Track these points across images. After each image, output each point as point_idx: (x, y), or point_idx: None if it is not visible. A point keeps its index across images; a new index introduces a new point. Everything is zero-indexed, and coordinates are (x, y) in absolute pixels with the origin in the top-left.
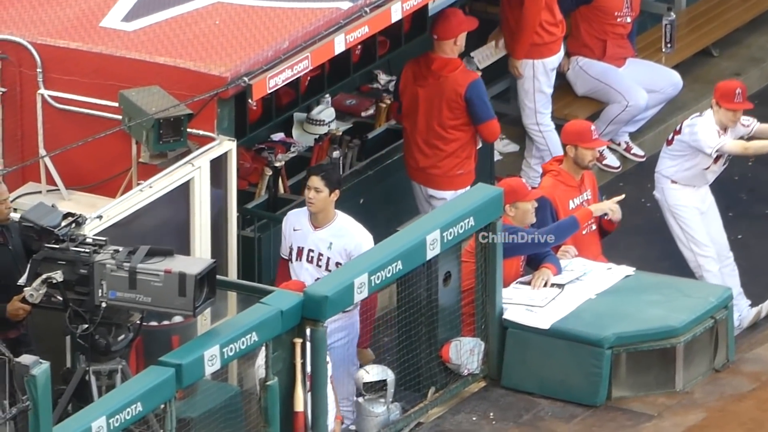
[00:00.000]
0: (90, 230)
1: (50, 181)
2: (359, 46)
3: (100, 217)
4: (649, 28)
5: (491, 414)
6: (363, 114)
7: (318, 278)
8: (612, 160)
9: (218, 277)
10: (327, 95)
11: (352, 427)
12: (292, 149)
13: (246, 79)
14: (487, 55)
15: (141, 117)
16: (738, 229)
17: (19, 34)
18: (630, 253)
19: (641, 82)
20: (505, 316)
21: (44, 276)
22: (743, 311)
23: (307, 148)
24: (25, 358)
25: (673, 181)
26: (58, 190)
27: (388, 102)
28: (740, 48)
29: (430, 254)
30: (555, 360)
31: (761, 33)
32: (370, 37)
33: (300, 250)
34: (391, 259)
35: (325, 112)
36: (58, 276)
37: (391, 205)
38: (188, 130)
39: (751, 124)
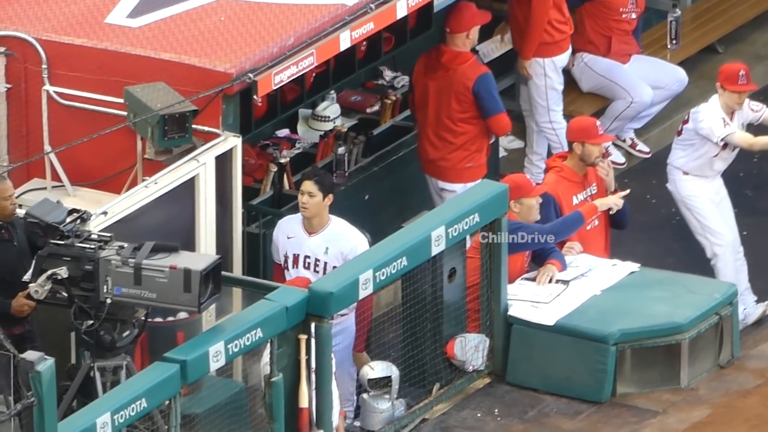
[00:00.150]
0: (95, 226)
1: (55, 177)
2: (364, 43)
3: (105, 213)
4: (654, 24)
5: (496, 410)
6: (368, 110)
7: None
8: (617, 157)
9: (223, 273)
10: (332, 91)
11: (357, 423)
12: (297, 145)
13: (251, 75)
14: (492, 49)
15: (146, 113)
16: (743, 226)
17: (24, 30)
18: (635, 249)
19: (646, 78)
20: (510, 312)
21: (49, 272)
22: (749, 307)
23: (312, 145)
24: (30, 354)
25: (684, 173)
26: (63, 186)
27: (394, 98)
28: (745, 45)
29: (435, 250)
30: (560, 356)
31: (766, 29)
32: (376, 34)
33: (296, 258)
34: (396, 255)
35: (330, 108)
36: (63, 272)
37: (397, 201)
38: (193, 126)
39: (761, 110)
